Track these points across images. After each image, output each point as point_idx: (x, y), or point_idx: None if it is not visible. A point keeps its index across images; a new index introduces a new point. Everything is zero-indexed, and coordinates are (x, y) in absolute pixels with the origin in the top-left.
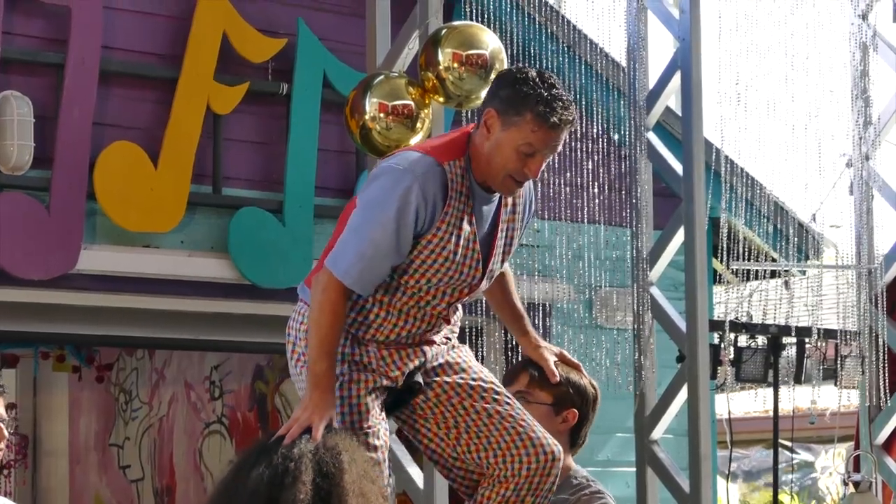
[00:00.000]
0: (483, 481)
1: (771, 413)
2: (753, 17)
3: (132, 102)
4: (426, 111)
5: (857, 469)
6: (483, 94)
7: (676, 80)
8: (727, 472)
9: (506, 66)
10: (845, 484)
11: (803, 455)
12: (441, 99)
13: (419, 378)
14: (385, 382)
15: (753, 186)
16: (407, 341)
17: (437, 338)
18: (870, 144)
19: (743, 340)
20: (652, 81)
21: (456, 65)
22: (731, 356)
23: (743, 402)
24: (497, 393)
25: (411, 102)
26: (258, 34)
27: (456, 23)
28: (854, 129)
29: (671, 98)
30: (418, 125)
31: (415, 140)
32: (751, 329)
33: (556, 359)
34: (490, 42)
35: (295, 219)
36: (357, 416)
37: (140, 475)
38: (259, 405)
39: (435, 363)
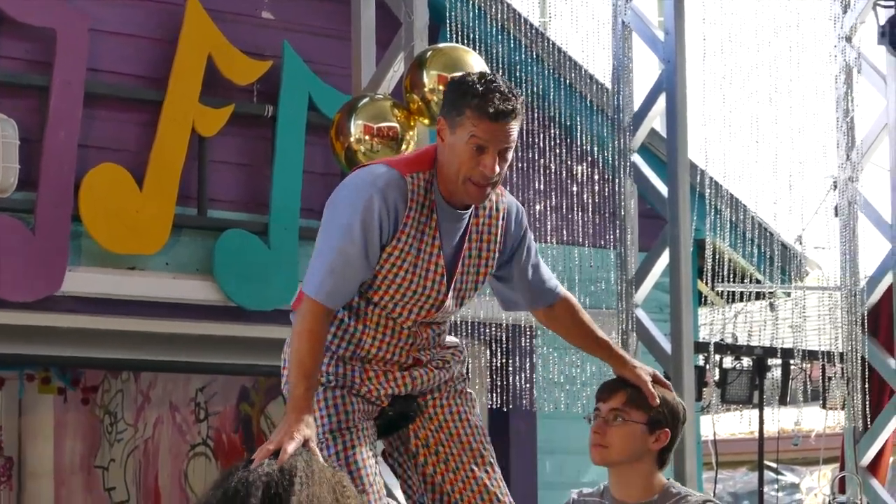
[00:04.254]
0: None
1: (756, 434)
2: (738, 40)
3: (117, 124)
4: (411, 133)
5: (842, 490)
6: None
7: (661, 102)
8: (713, 494)
9: None
10: None
11: (788, 476)
12: (426, 121)
13: (412, 405)
14: (373, 400)
15: (738, 208)
16: (392, 359)
17: (426, 357)
18: (854, 166)
19: (728, 362)
20: (637, 103)
21: (441, 87)
22: (717, 378)
23: (728, 424)
24: (482, 457)
25: (396, 124)
26: (244, 56)
27: (441, 45)
28: (839, 151)
29: (656, 120)
30: (403, 147)
31: None
32: (736, 350)
33: (651, 379)
34: (475, 64)
35: (280, 241)
36: (339, 417)
37: (125, 497)
38: (244, 427)
39: (428, 392)
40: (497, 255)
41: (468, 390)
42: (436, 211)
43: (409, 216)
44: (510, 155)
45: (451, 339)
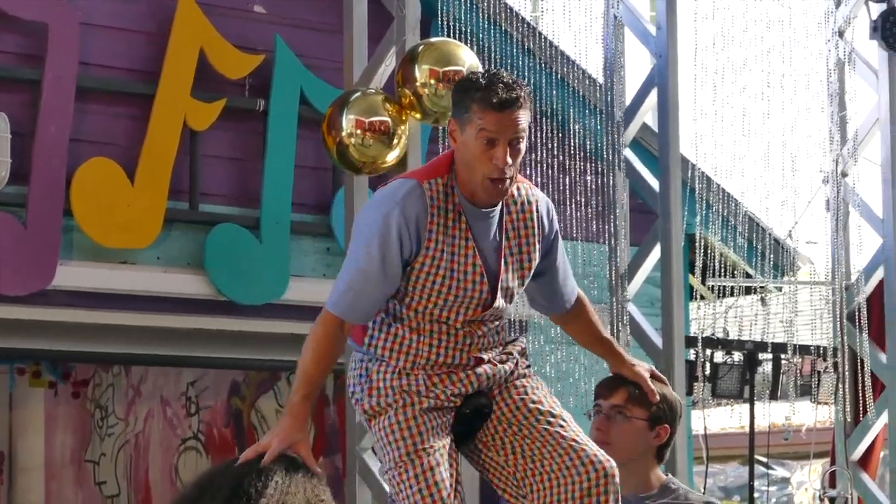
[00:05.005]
0: None
1: (747, 429)
2: (730, 35)
3: (109, 119)
4: (403, 127)
5: (832, 485)
6: None
7: (653, 96)
8: (703, 488)
9: None
10: (821, 500)
11: (779, 471)
12: (418, 115)
13: (484, 400)
14: (443, 403)
15: (730, 203)
16: (454, 363)
17: (487, 356)
18: (846, 161)
19: (719, 356)
20: (629, 98)
21: (433, 81)
22: (707, 372)
23: (719, 418)
24: (553, 415)
25: (388, 119)
26: (235, 51)
27: (433, 39)
28: (831, 146)
29: (648, 115)
30: (395, 141)
31: (391, 156)
32: (727, 345)
33: (649, 376)
34: (467, 58)
35: (271, 235)
36: (413, 439)
37: (116, 491)
38: (235, 421)
39: (496, 386)
40: (538, 245)
41: (531, 374)
42: (463, 213)
43: (432, 222)
44: (522, 146)
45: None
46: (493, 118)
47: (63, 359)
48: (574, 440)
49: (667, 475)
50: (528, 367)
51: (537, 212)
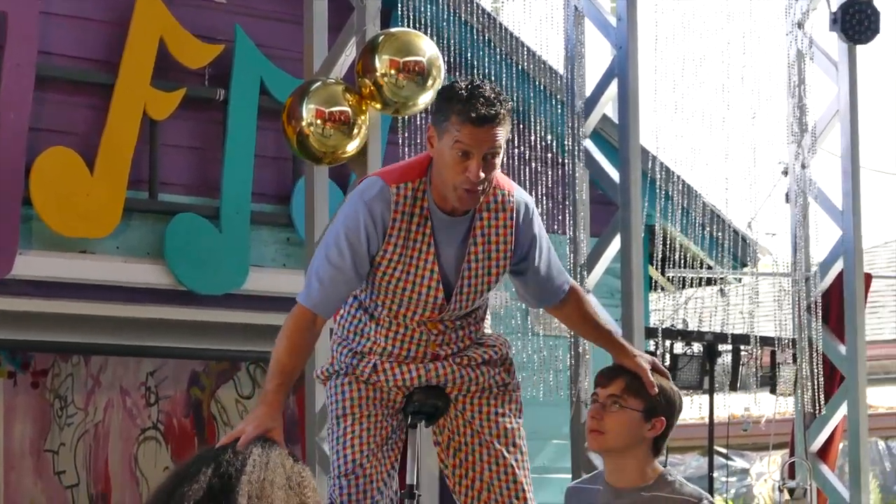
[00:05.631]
0: None
1: (707, 420)
2: (690, 26)
3: (68, 108)
4: (363, 117)
5: (791, 476)
6: (420, 100)
7: (613, 87)
8: None
9: (443, 72)
10: (780, 491)
11: (738, 462)
12: (378, 105)
13: (439, 403)
14: (385, 389)
15: (689, 194)
16: (409, 355)
17: (445, 352)
18: (806, 153)
19: (679, 347)
20: (589, 89)
21: (393, 71)
22: (667, 363)
23: None
24: (503, 457)
25: (348, 109)
26: (195, 40)
27: (393, 29)
28: (790, 138)
29: (608, 106)
30: (355, 131)
31: (352, 146)
32: (686, 336)
33: (650, 367)
34: (427, 49)
35: (231, 225)
36: (345, 403)
37: (75, 481)
38: (195, 411)
39: (457, 390)
40: (509, 254)
41: (513, 394)
42: (430, 218)
43: (393, 227)
44: (498, 161)
45: (495, 337)
46: (469, 132)
47: (22, 348)
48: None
49: (663, 467)
50: (508, 384)
51: (512, 218)
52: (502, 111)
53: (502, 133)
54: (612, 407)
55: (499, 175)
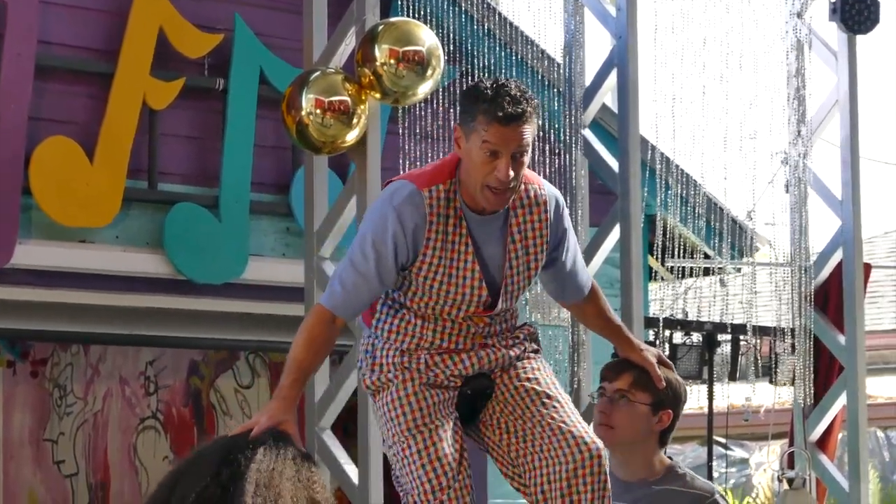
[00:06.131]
0: (533, 489)
1: (706, 410)
2: (689, 15)
3: (68, 97)
4: (363, 107)
5: (790, 466)
6: (419, 89)
7: (613, 77)
8: None
9: (442, 62)
10: (779, 481)
11: (738, 452)
12: (378, 95)
13: (486, 381)
14: (443, 381)
15: (689, 184)
16: (457, 348)
17: (492, 340)
18: (805, 142)
19: (678, 337)
20: (588, 79)
21: (392, 61)
22: (667, 353)
23: None
24: (548, 397)
25: (348, 98)
26: (195, 29)
27: (393, 19)
28: (789, 128)
29: (607, 95)
30: (355, 121)
31: (351, 136)
32: (686, 326)
33: (657, 361)
34: (426, 39)
35: (230, 214)
36: (415, 414)
37: (74, 470)
38: (194, 400)
39: (498, 369)
40: (545, 248)
41: (539, 356)
42: (464, 219)
43: (430, 230)
44: (526, 159)
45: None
46: (497, 131)
47: (21, 338)
48: (563, 422)
49: (671, 459)
50: (536, 350)
51: (546, 212)
52: (528, 109)
53: (529, 131)
54: (620, 401)
55: (526, 171)
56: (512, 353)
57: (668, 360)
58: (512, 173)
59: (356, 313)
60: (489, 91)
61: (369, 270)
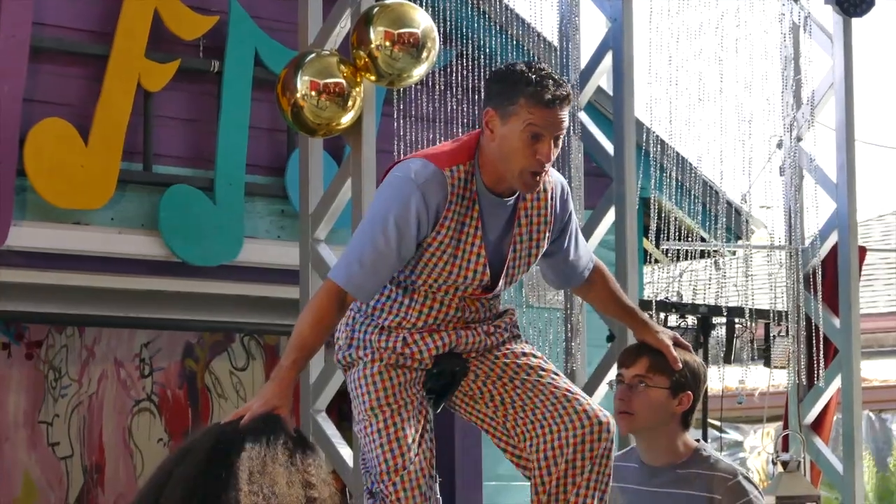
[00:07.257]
0: (536, 456)
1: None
2: None
3: (63, 79)
4: (358, 89)
5: (785, 449)
6: (415, 72)
7: (608, 60)
8: None
9: (437, 44)
10: (774, 464)
11: (732, 435)
12: (373, 77)
13: (457, 362)
14: (415, 363)
15: (684, 167)
16: (438, 325)
17: (475, 325)
18: (801, 126)
19: (673, 320)
20: (584, 61)
21: (388, 43)
22: None
23: None
24: (543, 369)
25: (343, 81)
26: (190, 11)
27: (388, 1)
28: (785, 111)
29: (602, 78)
30: (350, 103)
31: (346, 118)
32: (681, 309)
33: (672, 343)
34: (422, 20)
35: (225, 197)
36: (378, 393)
37: (69, 452)
38: (189, 383)
39: (475, 352)
40: (548, 235)
41: (521, 339)
42: (478, 202)
43: (449, 209)
44: (561, 142)
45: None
46: (542, 114)
47: (16, 320)
48: (567, 390)
49: (697, 441)
50: (518, 336)
51: (552, 198)
52: (570, 91)
53: (567, 114)
54: (639, 387)
55: None
56: (490, 341)
57: (684, 342)
58: (552, 155)
59: (374, 293)
60: (532, 74)
61: (391, 250)
